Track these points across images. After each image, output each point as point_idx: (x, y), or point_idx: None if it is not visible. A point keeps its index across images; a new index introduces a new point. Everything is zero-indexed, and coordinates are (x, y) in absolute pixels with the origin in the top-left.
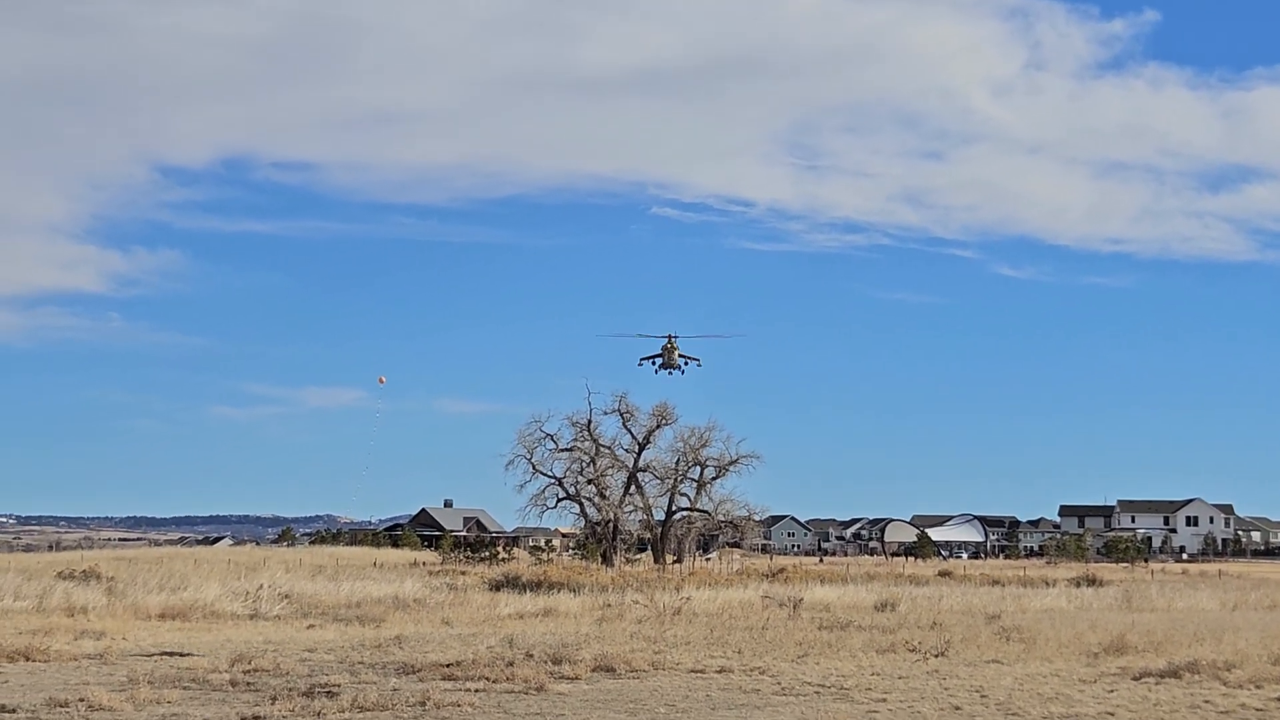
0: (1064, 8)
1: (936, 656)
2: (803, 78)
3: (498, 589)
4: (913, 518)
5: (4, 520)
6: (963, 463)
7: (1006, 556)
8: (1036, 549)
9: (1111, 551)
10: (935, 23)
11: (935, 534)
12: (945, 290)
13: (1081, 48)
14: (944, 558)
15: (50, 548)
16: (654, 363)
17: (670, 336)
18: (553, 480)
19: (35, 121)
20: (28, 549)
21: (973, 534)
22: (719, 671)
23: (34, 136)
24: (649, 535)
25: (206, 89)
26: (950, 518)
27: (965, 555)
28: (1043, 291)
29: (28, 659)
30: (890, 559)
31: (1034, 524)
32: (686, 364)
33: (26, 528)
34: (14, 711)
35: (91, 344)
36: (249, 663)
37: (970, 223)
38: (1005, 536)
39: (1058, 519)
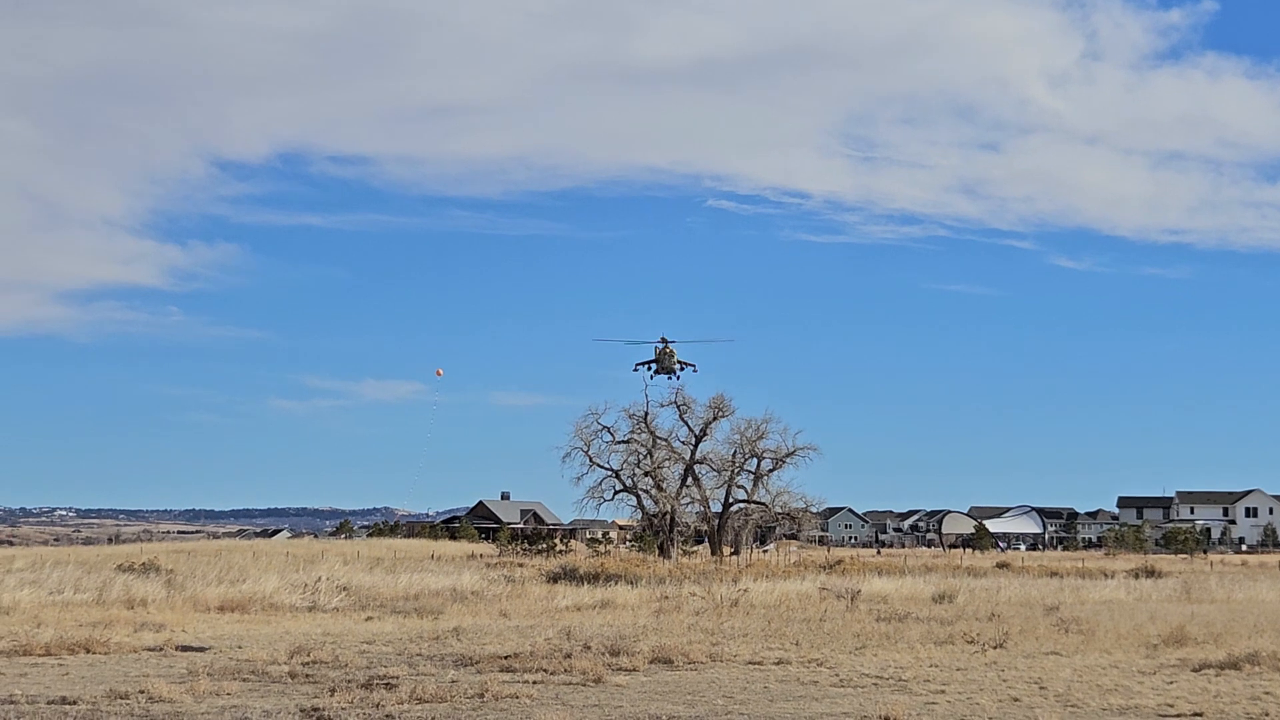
0: None
1: (995, 648)
2: (859, 69)
3: (555, 581)
4: (970, 509)
5: (64, 513)
6: (1020, 454)
7: (1064, 548)
8: (1095, 540)
9: (1170, 543)
10: (991, 13)
11: (993, 525)
12: (1002, 281)
13: (1139, 37)
14: (1001, 549)
15: (110, 541)
16: (649, 368)
17: (664, 341)
18: (610, 473)
19: (94, 116)
20: (87, 542)
21: (1030, 525)
22: (777, 663)
23: (93, 131)
24: (706, 527)
25: (264, 83)
26: (1008, 509)
27: (1023, 547)
28: (1100, 282)
29: (88, 651)
30: (948, 551)
31: (1092, 515)
32: (682, 369)
33: (86, 521)
34: (75, 703)
35: (150, 338)
36: (308, 655)
37: (1027, 214)
38: (1063, 528)
39: (1116, 510)
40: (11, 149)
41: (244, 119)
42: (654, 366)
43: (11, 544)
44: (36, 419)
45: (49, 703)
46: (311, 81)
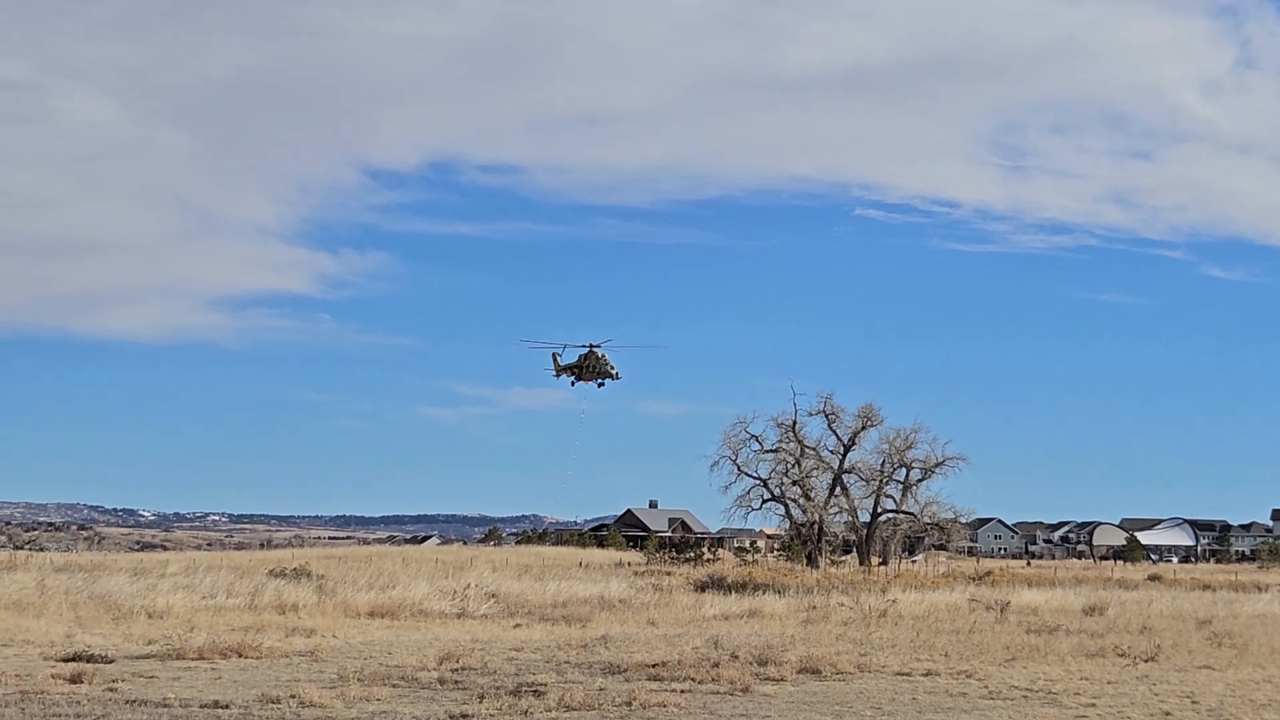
0: (1274, 5)
1: (1146, 661)
2: (1008, 77)
3: (703, 590)
4: (1121, 521)
5: (217, 519)
6: (1172, 466)
7: (1217, 561)
8: (1248, 553)
9: None
10: (1143, 20)
11: (1144, 538)
12: (1153, 291)
13: None
14: (1153, 562)
15: (261, 546)
16: (571, 375)
17: (591, 346)
18: (758, 481)
19: (247, 125)
20: (240, 547)
21: (1182, 538)
22: (925, 674)
23: (245, 140)
24: (854, 537)
25: (413, 92)
26: (1159, 521)
27: (1175, 559)
28: (1253, 292)
29: (240, 655)
30: (1098, 563)
31: (1245, 528)
32: (604, 381)
33: (238, 526)
34: (227, 707)
35: (302, 345)
36: (456, 661)
37: (1179, 223)
38: (1216, 540)
39: (1270, 523)
40: (166, 158)
41: (394, 128)
42: (575, 374)
43: (165, 549)
44: (190, 425)
45: (202, 706)
46: (460, 91)
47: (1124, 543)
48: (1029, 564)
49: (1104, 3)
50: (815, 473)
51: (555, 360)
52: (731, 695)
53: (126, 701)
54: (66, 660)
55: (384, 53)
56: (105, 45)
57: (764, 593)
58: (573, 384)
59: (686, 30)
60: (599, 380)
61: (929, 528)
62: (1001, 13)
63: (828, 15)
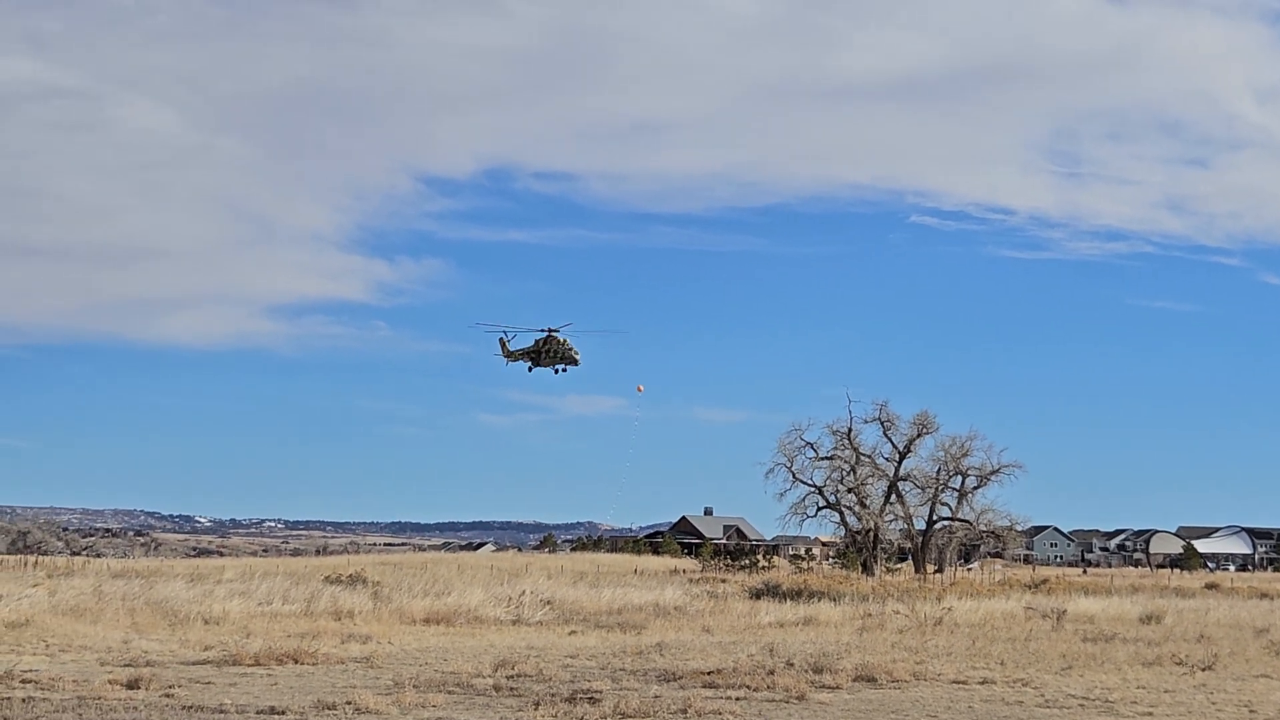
0: None
1: (1204, 670)
2: (1062, 84)
3: (758, 597)
4: (1178, 529)
5: (272, 525)
6: (1230, 474)
7: (1275, 569)
8: None
9: None
10: (1198, 27)
11: (1201, 546)
12: (1210, 299)
13: None
14: (1210, 570)
15: (317, 552)
16: (527, 361)
17: (550, 331)
18: (813, 489)
19: (301, 133)
20: (295, 553)
21: (1240, 546)
22: (981, 683)
23: (300, 148)
24: (909, 544)
25: (468, 100)
26: (1217, 529)
27: (1232, 567)
28: None
29: (296, 661)
30: (1155, 571)
31: None
32: (564, 367)
33: (294, 532)
34: (283, 713)
35: (357, 352)
36: (512, 668)
37: (1235, 230)
38: (1274, 549)
39: None
40: (222, 166)
41: (449, 136)
42: (532, 360)
43: (221, 555)
44: (246, 432)
45: (258, 712)
46: (515, 98)
47: (1181, 551)
48: (1085, 572)
49: (1159, 9)
50: (870, 480)
51: (503, 344)
52: (787, 703)
53: (183, 707)
54: (123, 666)
55: (439, 61)
56: (162, 54)
57: (819, 600)
58: (529, 369)
59: (740, 37)
60: (559, 367)
61: (984, 535)
62: (1055, 20)
63: (881, 22)
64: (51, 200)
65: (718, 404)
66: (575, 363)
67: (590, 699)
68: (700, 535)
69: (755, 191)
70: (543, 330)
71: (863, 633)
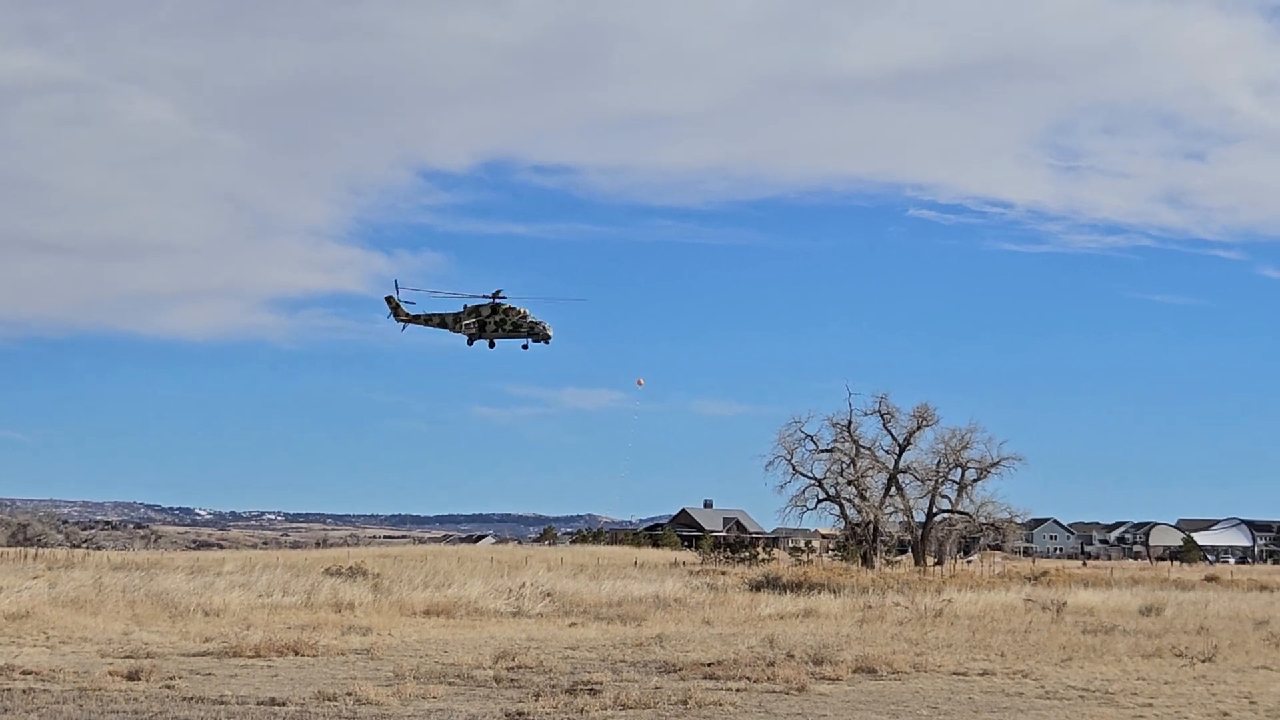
0: None
1: (1203, 662)
2: (1060, 78)
3: (758, 589)
4: (1178, 521)
5: (272, 517)
6: (1229, 466)
7: (1275, 562)
8: None
9: None
10: (1195, 21)
11: (1201, 538)
12: (1207, 292)
13: None
14: (1210, 562)
15: (317, 545)
16: (467, 331)
17: (495, 296)
18: (813, 481)
19: (301, 126)
20: (295, 546)
21: (1240, 538)
22: (981, 674)
23: (299, 141)
24: (909, 537)
25: (468, 93)
26: (1216, 522)
27: (1232, 560)
28: None
29: (296, 653)
30: (1155, 563)
31: None
32: (530, 342)
33: (294, 525)
34: (284, 704)
35: (356, 345)
36: (512, 659)
37: (1232, 224)
38: (1274, 541)
39: None
40: (221, 160)
41: (448, 129)
42: (475, 329)
43: (222, 547)
44: (246, 425)
45: (258, 704)
46: (514, 92)
47: (1180, 543)
48: (1085, 564)
49: (1156, 3)
50: (870, 472)
51: (393, 304)
52: (787, 694)
53: (184, 699)
54: (124, 658)
55: (438, 54)
56: (162, 47)
57: (819, 592)
58: (470, 342)
59: (740, 31)
60: (524, 341)
61: (984, 528)
62: (1054, 14)
63: (881, 16)
64: (51, 193)
65: (718, 396)
66: (545, 338)
67: (591, 690)
68: (700, 528)
69: (755, 185)
70: (485, 297)
71: (863, 625)
